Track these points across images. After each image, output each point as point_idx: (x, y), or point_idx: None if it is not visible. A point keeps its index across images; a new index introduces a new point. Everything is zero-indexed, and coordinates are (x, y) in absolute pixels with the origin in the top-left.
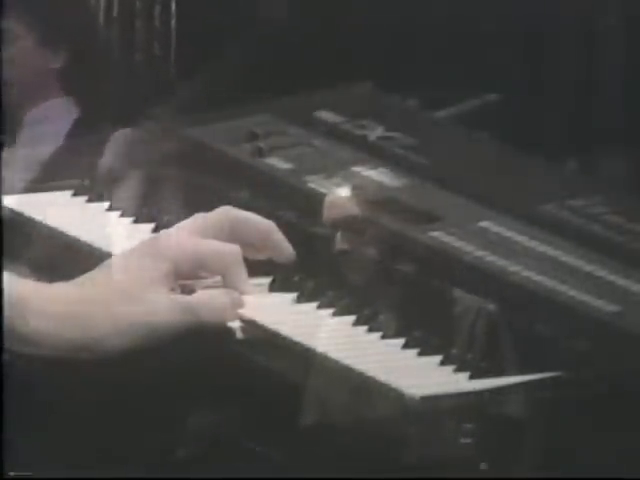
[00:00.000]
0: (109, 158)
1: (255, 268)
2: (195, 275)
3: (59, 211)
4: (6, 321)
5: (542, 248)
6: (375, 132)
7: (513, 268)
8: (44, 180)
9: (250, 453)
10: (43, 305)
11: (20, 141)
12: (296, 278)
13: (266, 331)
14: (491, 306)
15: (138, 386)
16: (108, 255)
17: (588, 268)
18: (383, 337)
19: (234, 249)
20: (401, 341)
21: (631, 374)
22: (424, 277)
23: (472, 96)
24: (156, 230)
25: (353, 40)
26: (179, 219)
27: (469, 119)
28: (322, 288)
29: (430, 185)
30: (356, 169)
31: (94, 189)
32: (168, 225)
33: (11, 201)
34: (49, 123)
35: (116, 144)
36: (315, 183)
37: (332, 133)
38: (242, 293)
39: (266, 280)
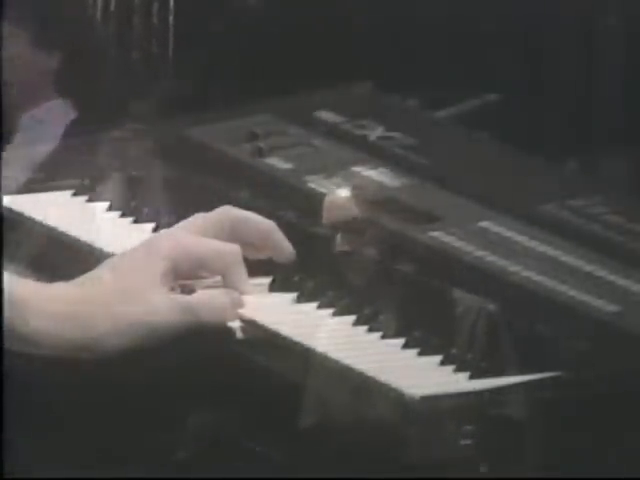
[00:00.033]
0: (109, 158)
1: (255, 268)
2: (195, 275)
3: (59, 211)
4: (6, 321)
5: (542, 248)
6: (375, 132)
7: (513, 268)
8: (42, 180)
9: (250, 453)
10: (43, 305)
11: (17, 141)
12: (296, 278)
13: (266, 331)
14: (491, 306)
15: (138, 386)
16: (108, 255)
17: (588, 268)
18: (383, 337)
19: (234, 249)
20: (401, 341)
21: (631, 374)
22: (424, 277)
23: (472, 96)
24: (156, 230)
25: (353, 40)
26: (179, 219)
27: (469, 119)
28: (322, 288)
29: (430, 185)
30: (356, 169)
31: (94, 189)
32: (168, 225)
33: (11, 201)
34: (46, 124)
35: (115, 144)
36: (315, 183)
37: (332, 133)
38: (242, 293)
39: (266, 280)
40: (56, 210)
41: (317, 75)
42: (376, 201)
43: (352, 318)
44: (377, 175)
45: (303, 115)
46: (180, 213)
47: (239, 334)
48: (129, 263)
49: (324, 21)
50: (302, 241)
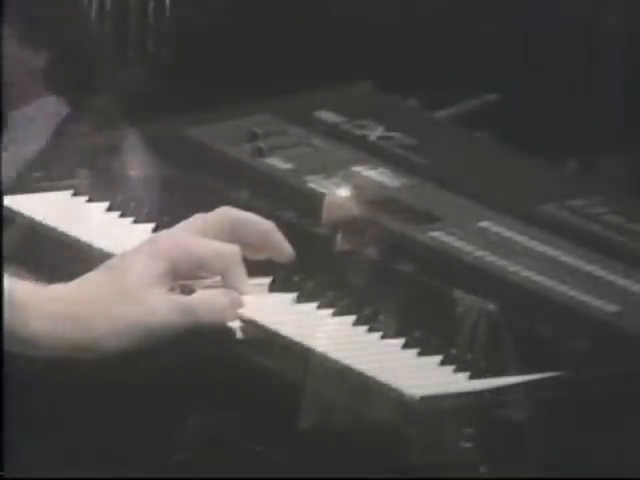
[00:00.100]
0: (110, 158)
1: (255, 268)
2: (195, 275)
3: (59, 211)
4: (5, 323)
5: (542, 248)
6: (375, 132)
7: (513, 268)
8: (42, 180)
9: (250, 453)
10: (42, 306)
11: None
12: (296, 278)
13: (266, 331)
14: (491, 306)
15: (138, 386)
16: (108, 255)
17: (588, 268)
18: (383, 337)
19: (234, 249)
20: (401, 341)
21: (631, 374)
22: (424, 277)
23: (472, 96)
24: (156, 230)
25: (353, 40)
26: (179, 219)
27: (469, 119)
28: (322, 288)
29: (430, 185)
30: (356, 169)
31: (94, 189)
32: (168, 225)
33: (11, 201)
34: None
35: (115, 143)
36: (315, 183)
37: (332, 133)
38: (242, 293)
39: (266, 280)
40: (56, 210)
41: (317, 75)
42: (376, 201)
43: (352, 318)
44: (377, 175)
45: (303, 115)
46: (180, 213)
47: (239, 334)
48: (128, 264)
49: (324, 21)
50: (302, 241)
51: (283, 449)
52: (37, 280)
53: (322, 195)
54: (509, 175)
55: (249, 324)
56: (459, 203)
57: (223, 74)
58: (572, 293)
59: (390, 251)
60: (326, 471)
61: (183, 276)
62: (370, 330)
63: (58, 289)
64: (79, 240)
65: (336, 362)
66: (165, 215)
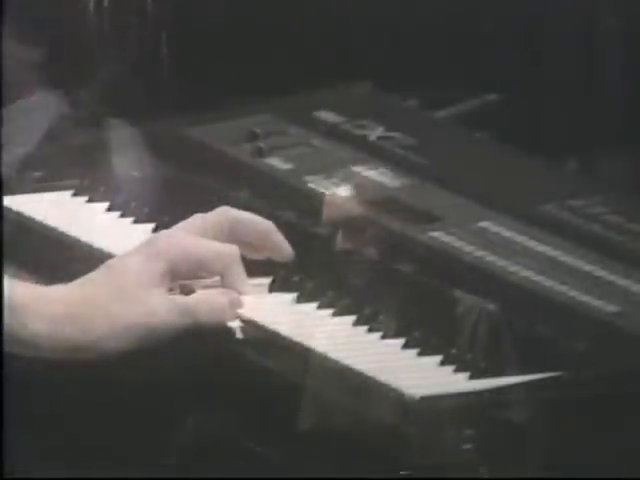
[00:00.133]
0: (110, 158)
1: (255, 268)
2: (194, 275)
3: (59, 211)
4: (5, 325)
5: (542, 248)
6: (375, 132)
7: (513, 268)
8: (42, 180)
9: (250, 453)
10: (41, 308)
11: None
12: (296, 278)
13: (266, 331)
14: (491, 306)
15: (138, 386)
16: (108, 255)
17: (588, 268)
18: (383, 337)
19: (233, 249)
20: (401, 341)
21: (631, 374)
22: (424, 277)
23: (472, 96)
24: (156, 230)
25: (353, 40)
26: (179, 219)
27: (469, 119)
28: (322, 288)
29: (430, 185)
30: (356, 169)
31: (94, 189)
32: (168, 225)
33: (11, 201)
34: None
35: (114, 143)
36: (315, 183)
37: (332, 133)
38: (241, 293)
39: (266, 280)
40: (56, 210)
41: (317, 75)
42: (376, 201)
43: (352, 318)
44: (377, 175)
45: (303, 115)
46: (180, 213)
47: (238, 334)
48: (127, 265)
49: (324, 21)
50: (302, 241)
51: (283, 449)
52: (37, 281)
53: (322, 195)
54: (509, 175)
55: (249, 324)
56: (459, 203)
57: (223, 74)
58: (572, 293)
59: (390, 251)
60: (326, 471)
61: (182, 276)
62: (370, 330)
63: (57, 290)
64: (79, 240)
65: (336, 362)
66: (165, 215)
